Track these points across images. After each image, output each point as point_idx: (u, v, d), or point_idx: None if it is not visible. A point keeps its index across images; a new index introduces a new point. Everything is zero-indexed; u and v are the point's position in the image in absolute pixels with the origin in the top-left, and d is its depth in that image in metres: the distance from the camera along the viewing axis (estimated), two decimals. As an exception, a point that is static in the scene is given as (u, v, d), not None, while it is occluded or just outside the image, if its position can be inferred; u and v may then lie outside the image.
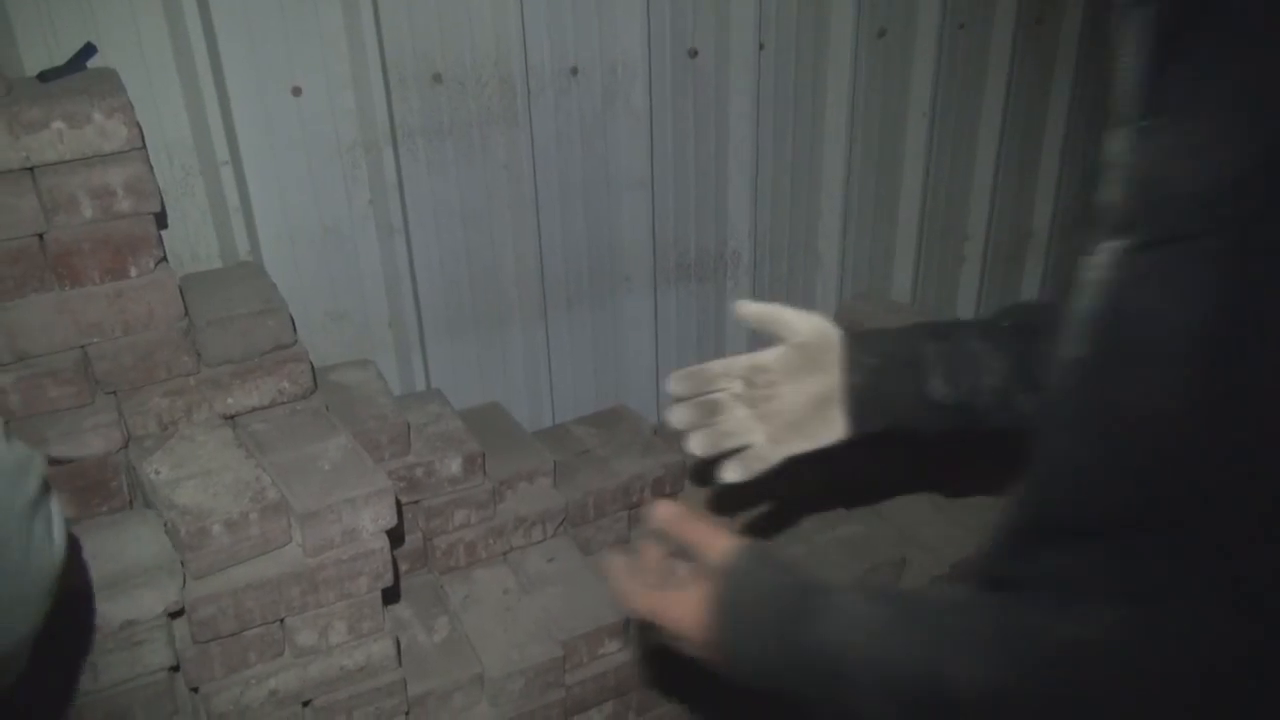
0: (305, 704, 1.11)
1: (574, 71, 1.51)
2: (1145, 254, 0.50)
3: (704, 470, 1.08)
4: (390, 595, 1.16)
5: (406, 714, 1.18)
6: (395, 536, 1.12)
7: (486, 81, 1.45)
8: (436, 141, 1.45)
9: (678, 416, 0.88)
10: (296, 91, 1.33)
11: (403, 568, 1.32)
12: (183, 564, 1.02)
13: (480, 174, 1.50)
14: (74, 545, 0.93)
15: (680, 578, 0.72)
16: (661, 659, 1.33)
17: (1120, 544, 0.54)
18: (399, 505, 1.11)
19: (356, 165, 1.41)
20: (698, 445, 0.87)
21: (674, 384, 0.88)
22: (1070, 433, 0.53)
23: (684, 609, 0.69)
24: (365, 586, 1.09)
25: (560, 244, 1.61)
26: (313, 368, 1.24)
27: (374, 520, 1.08)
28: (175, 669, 1.05)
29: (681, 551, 0.73)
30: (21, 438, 0.84)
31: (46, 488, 0.76)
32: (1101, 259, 0.52)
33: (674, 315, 1.78)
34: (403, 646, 1.19)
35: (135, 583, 1.00)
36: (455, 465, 1.31)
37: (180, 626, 1.04)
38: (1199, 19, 0.48)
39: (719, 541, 0.71)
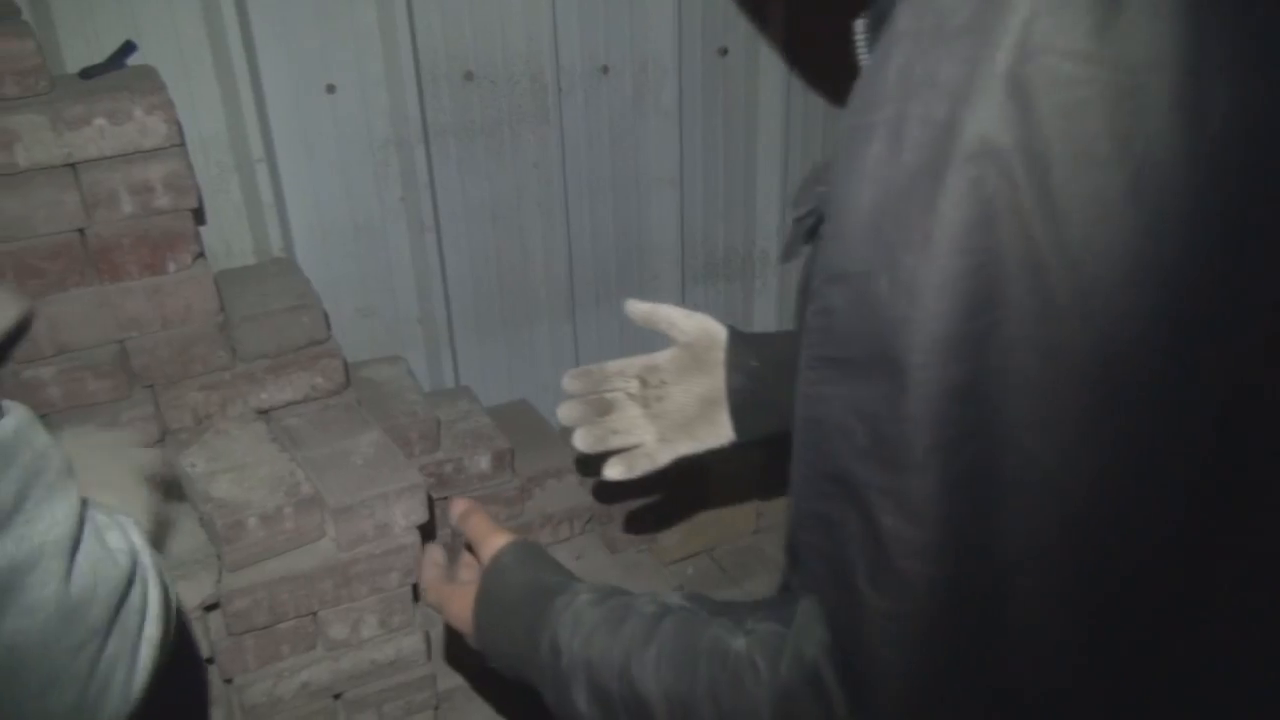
0: (336, 697, 1.12)
1: (604, 70, 1.51)
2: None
3: (590, 465, 1.08)
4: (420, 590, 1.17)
5: (435, 708, 1.19)
6: (426, 532, 1.13)
7: (518, 80, 1.45)
8: (467, 139, 1.46)
9: (564, 412, 0.88)
10: (331, 89, 1.34)
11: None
12: (218, 557, 1.03)
13: (510, 172, 1.50)
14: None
15: (463, 574, 0.77)
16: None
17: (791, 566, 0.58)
18: (430, 501, 1.12)
19: (388, 163, 1.41)
20: (582, 441, 0.87)
21: (567, 381, 0.89)
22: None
23: (459, 604, 0.72)
24: (396, 581, 1.09)
25: (589, 242, 1.61)
26: (345, 363, 1.25)
27: (406, 515, 1.08)
28: (210, 661, 1.07)
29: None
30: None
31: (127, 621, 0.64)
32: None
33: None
34: (432, 641, 1.20)
35: (172, 575, 1.01)
36: (484, 462, 1.31)
37: (215, 619, 1.05)
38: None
39: (493, 540, 0.73)
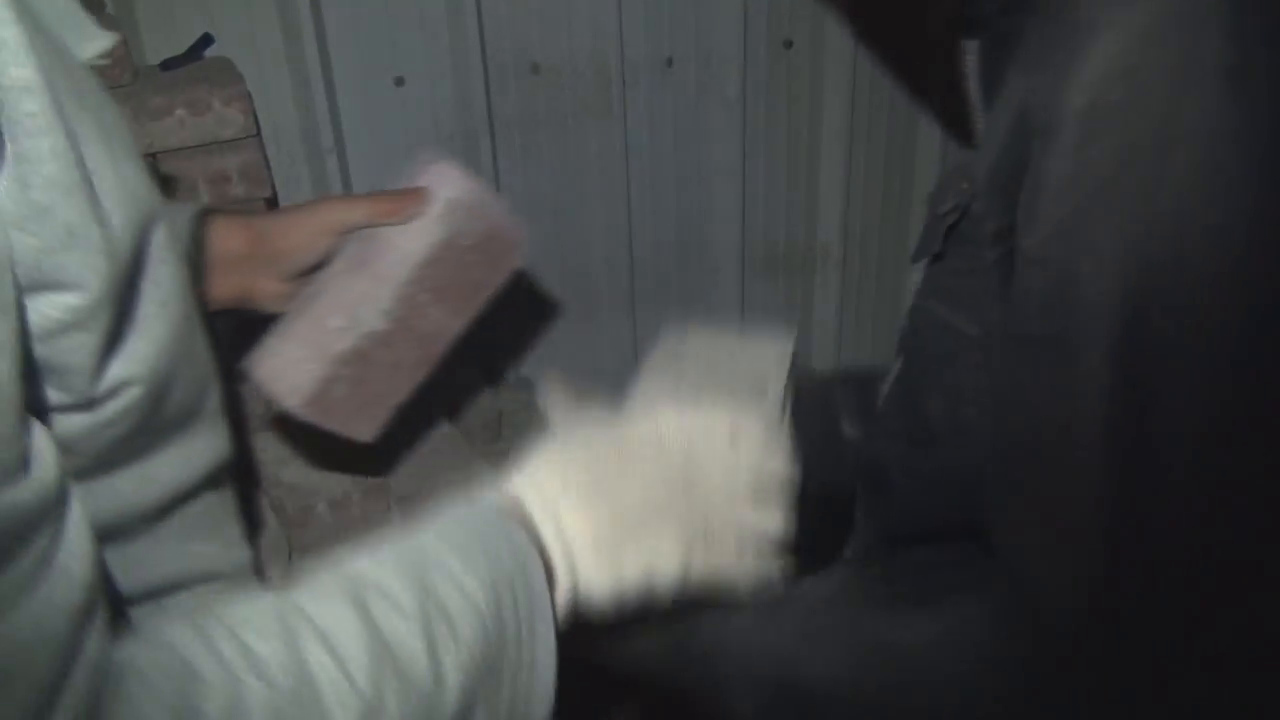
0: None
1: (669, 63, 1.51)
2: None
3: None
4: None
5: (494, 696, 1.20)
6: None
7: (583, 72, 1.45)
8: (531, 132, 1.47)
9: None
10: (399, 81, 1.35)
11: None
12: (287, 540, 1.05)
13: (573, 165, 1.51)
14: None
15: None
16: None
17: (958, 547, 0.61)
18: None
19: (454, 155, 1.42)
20: None
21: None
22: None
23: None
24: (459, 569, 1.10)
25: (650, 236, 1.61)
26: (410, 353, 1.26)
27: (469, 504, 1.09)
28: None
29: None
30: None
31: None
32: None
33: (761, 309, 1.77)
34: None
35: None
36: (545, 453, 1.32)
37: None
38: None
39: None
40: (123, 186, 0.47)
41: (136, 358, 0.50)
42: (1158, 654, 0.51)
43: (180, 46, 1.18)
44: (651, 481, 0.54)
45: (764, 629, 0.63)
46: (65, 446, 0.44)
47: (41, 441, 0.38)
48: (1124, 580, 0.50)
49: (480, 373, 1.40)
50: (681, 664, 0.66)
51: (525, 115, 1.45)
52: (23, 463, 0.36)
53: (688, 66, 1.52)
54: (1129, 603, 0.50)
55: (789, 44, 1.57)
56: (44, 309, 0.44)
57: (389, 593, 0.47)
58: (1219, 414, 0.47)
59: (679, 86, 1.53)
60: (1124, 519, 0.49)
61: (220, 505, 0.64)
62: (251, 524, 0.79)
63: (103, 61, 1.00)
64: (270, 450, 1.11)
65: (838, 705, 0.59)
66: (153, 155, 1.05)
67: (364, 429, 0.88)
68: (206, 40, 1.19)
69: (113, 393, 0.49)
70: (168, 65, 1.14)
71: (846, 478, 0.84)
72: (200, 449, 0.59)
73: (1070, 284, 0.48)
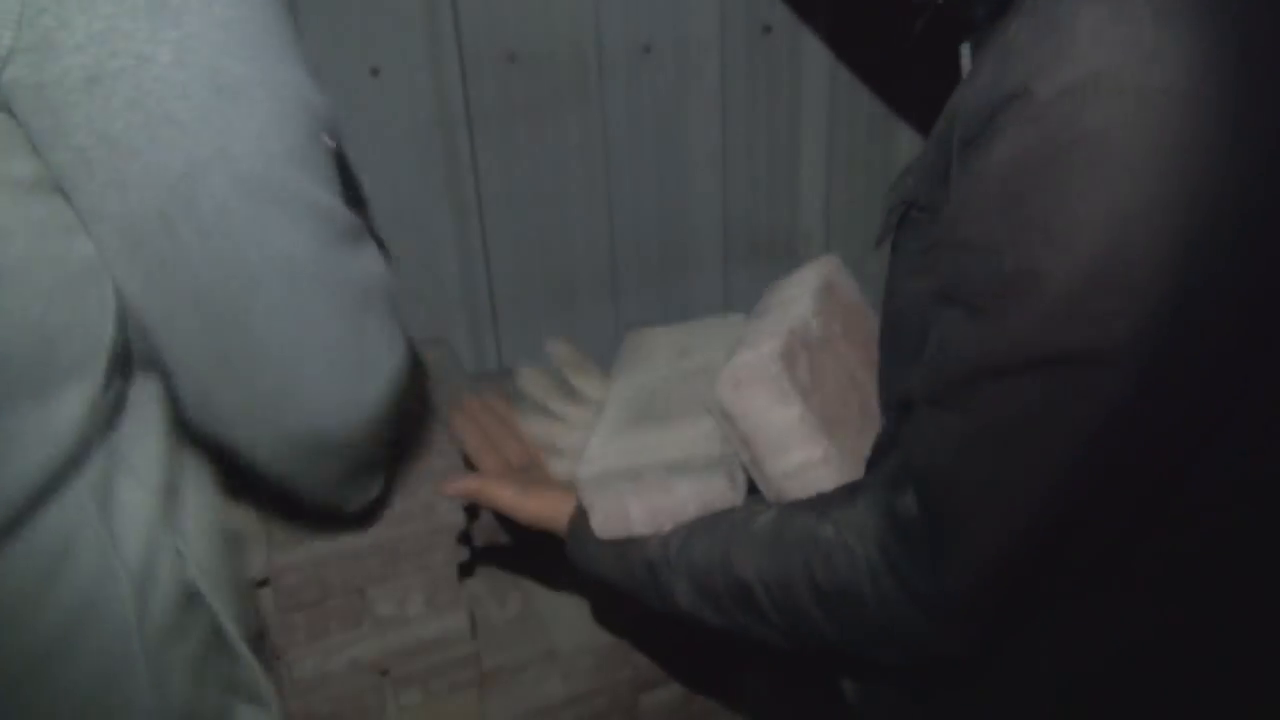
0: (383, 673, 1.14)
1: (647, 49, 1.50)
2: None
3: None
4: (465, 570, 1.18)
5: (480, 686, 1.20)
6: (471, 511, 1.14)
7: (560, 61, 1.45)
8: (510, 122, 1.46)
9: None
10: (374, 72, 1.34)
11: (477, 543, 1.33)
12: (267, 534, 1.05)
13: (552, 154, 1.50)
14: None
15: (543, 476, 0.85)
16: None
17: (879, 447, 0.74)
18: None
19: (431, 146, 1.42)
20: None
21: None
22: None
23: (547, 506, 0.83)
24: (442, 559, 1.10)
25: (631, 224, 1.61)
26: (390, 345, 1.26)
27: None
28: (262, 637, 1.08)
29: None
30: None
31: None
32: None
33: (744, 296, 1.76)
34: (476, 620, 1.21)
35: (224, 551, 1.02)
36: (528, 443, 1.32)
37: (266, 596, 1.07)
38: None
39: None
40: None
41: None
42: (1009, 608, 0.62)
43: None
44: None
45: (701, 535, 0.74)
46: None
47: None
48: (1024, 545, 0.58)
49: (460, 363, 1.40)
50: (626, 568, 0.78)
51: (503, 105, 1.44)
52: None
53: (666, 53, 1.52)
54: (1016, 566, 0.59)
55: (768, 29, 1.57)
56: None
57: None
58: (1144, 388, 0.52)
59: (657, 74, 1.52)
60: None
61: None
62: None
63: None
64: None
65: (757, 590, 0.69)
66: (124, 149, 1.03)
67: None
68: (178, 32, 1.18)
69: None
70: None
71: None
72: None
73: (993, 266, 0.53)
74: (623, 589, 0.80)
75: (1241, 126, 0.47)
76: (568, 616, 1.27)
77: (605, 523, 0.77)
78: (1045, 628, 0.67)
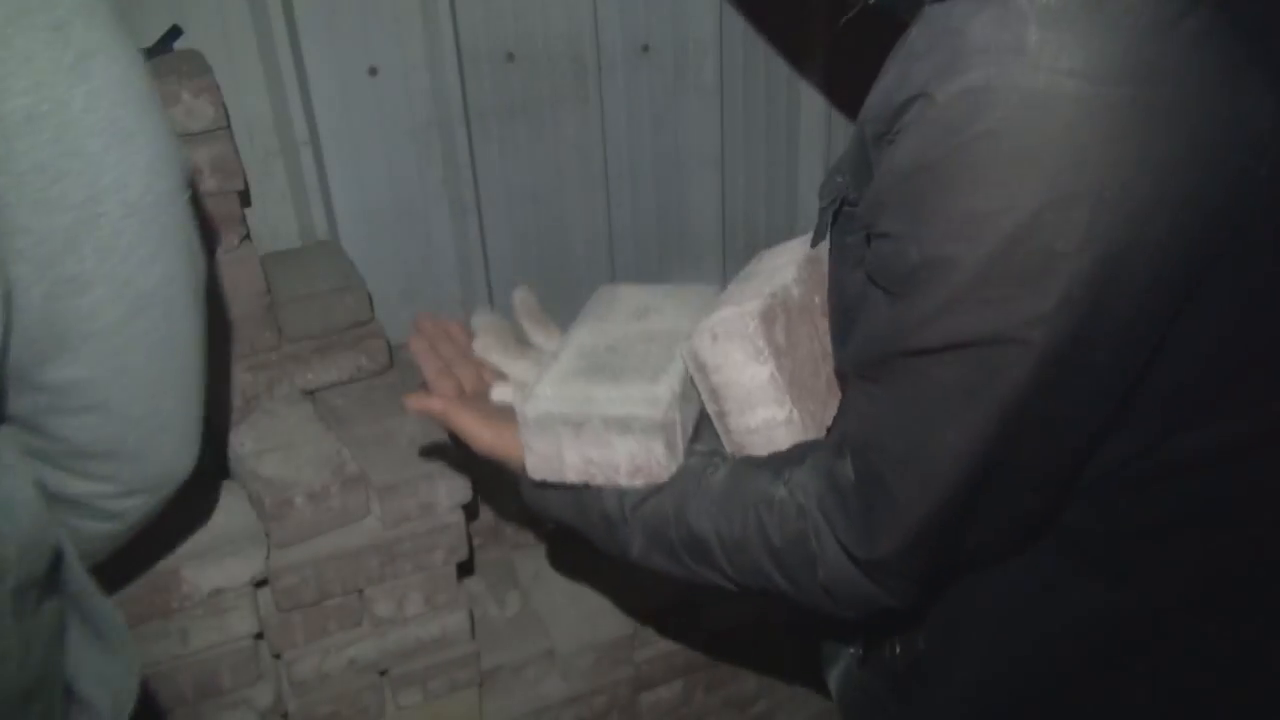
0: (382, 673, 1.14)
1: (645, 49, 1.50)
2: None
3: None
4: (464, 569, 1.18)
5: (479, 686, 1.20)
6: (470, 511, 1.14)
7: (558, 60, 1.45)
8: (508, 120, 1.46)
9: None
10: (373, 72, 1.34)
11: (476, 542, 1.33)
12: (266, 534, 1.05)
13: (551, 153, 1.50)
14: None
15: (502, 413, 0.83)
16: (731, 638, 1.33)
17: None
18: (472, 480, 1.12)
19: (430, 145, 1.42)
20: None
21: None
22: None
23: (507, 446, 0.80)
24: (441, 559, 1.10)
25: (630, 223, 1.61)
26: (389, 344, 1.26)
27: (449, 495, 1.09)
28: (260, 636, 1.08)
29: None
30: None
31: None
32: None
33: (742, 295, 1.76)
34: (475, 620, 1.21)
35: (223, 552, 1.02)
36: (527, 442, 1.32)
37: (264, 596, 1.07)
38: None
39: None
40: None
41: None
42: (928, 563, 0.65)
43: (149, 39, 1.17)
44: None
45: (658, 493, 0.76)
46: None
47: None
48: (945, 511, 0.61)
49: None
50: (582, 516, 0.80)
51: (501, 104, 1.44)
52: None
53: (664, 53, 1.52)
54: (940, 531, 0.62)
55: (765, 29, 1.57)
56: None
57: None
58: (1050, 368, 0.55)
59: (656, 73, 1.52)
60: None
61: None
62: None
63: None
64: (248, 444, 1.10)
65: (712, 544, 0.72)
66: (122, 149, 1.04)
67: None
68: (175, 32, 1.18)
69: None
70: (136, 58, 1.12)
71: None
72: None
73: (904, 255, 0.57)
74: (575, 529, 0.83)
75: (1129, 121, 0.50)
76: (567, 616, 1.27)
77: (538, 464, 0.78)
78: (1004, 619, 0.70)
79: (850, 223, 0.67)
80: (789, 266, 0.81)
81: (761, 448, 0.77)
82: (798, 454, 0.72)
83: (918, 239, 0.56)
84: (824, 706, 1.40)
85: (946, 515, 0.61)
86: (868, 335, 0.62)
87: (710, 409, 0.79)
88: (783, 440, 0.76)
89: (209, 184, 1.08)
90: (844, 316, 0.70)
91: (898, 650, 0.78)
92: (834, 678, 0.87)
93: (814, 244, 0.80)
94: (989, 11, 0.52)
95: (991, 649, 0.73)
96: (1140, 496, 0.63)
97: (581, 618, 1.26)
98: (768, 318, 0.75)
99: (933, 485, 0.60)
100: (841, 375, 0.67)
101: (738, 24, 1.54)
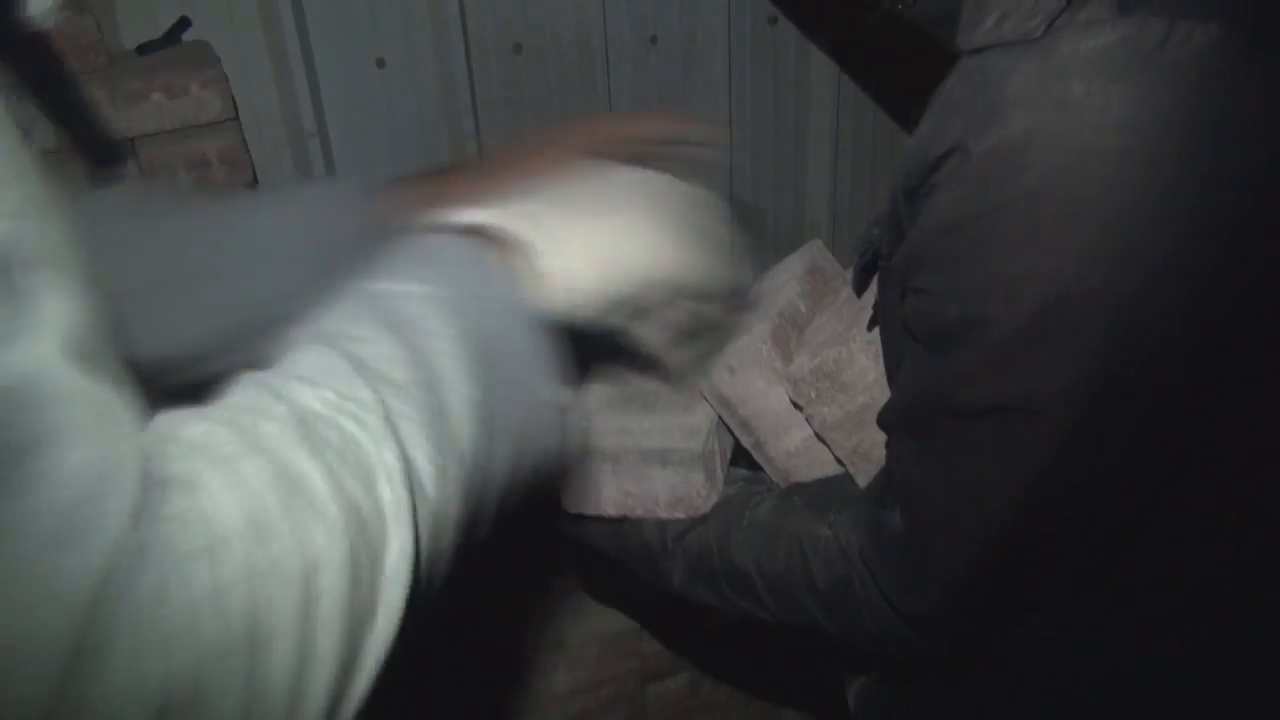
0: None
1: (653, 40, 1.49)
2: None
3: None
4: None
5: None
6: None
7: (566, 51, 1.44)
8: (516, 112, 1.46)
9: None
10: (380, 63, 1.34)
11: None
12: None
13: (559, 145, 1.50)
14: None
15: None
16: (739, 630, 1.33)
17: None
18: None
19: (437, 136, 1.42)
20: None
21: None
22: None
23: None
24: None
25: (637, 215, 1.60)
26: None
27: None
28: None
29: None
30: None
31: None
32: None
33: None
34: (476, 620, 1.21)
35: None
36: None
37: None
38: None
39: None
40: None
41: None
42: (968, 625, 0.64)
43: (157, 31, 1.17)
44: (610, 183, 0.61)
45: (701, 523, 0.75)
46: None
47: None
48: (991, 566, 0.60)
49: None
50: (621, 545, 0.79)
51: (509, 96, 1.44)
52: None
53: (672, 44, 1.51)
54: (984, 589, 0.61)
55: (774, 20, 1.56)
56: None
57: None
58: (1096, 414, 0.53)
59: (663, 64, 1.52)
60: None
61: None
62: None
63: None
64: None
65: (755, 579, 0.71)
66: (130, 140, 1.04)
67: None
68: (184, 24, 1.18)
69: None
70: (145, 50, 1.13)
71: None
72: None
73: (942, 313, 0.55)
74: (613, 559, 0.81)
75: (1177, 180, 0.47)
76: (573, 607, 1.27)
77: (575, 498, 0.77)
78: (1036, 648, 0.68)
79: (889, 278, 0.65)
80: (790, 282, 0.81)
81: (807, 468, 0.76)
82: (842, 493, 0.71)
83: (958, 297, 0.54)
84: (832, 698, 1.40)
85: (993, 573, 0.59)
86: (907, 389, 0.61)
87: (746, 442, 0.78)
88: (826, 453, 0.75)
89: (217, 175, 1.08)
90: (895, 366, 0.68)
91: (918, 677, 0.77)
92: (853, 693, 0.86)
93: (857, 294, 0.78)
94: (1029, 64, 0.49)
95: (1017, 686, 0.71)
96: (1187, 550, 0.61)
97: (588, 609, 1.27)
98: (779, 338, 0.75)
99: (978, 544, 0.58)
100: (886, 425, 0.65)
101: (746, 14, 1.53)
